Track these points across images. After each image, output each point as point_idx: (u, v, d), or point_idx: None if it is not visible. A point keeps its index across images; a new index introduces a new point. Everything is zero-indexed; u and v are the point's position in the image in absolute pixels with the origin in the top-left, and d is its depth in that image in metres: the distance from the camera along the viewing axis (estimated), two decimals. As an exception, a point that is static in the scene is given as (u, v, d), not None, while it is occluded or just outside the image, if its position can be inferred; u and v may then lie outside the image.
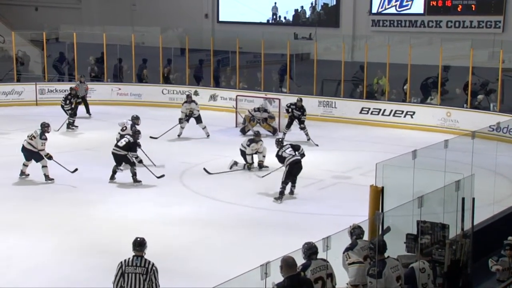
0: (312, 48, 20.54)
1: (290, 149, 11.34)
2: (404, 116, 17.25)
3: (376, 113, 17.58)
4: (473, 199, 7.25)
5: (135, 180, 11.77)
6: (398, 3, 26.20)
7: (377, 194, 7.24)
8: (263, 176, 12.04)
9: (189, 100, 15.59)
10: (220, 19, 30.04)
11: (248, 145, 12.68)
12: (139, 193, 11.43)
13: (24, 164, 11.93)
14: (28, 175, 12.02)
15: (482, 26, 24.73)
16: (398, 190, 7.54)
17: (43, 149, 11.72)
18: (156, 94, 19.79)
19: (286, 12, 29.11)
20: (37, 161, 11.80)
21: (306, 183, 12.01)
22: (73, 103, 16.49)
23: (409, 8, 26.03)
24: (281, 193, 11.10)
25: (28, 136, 11.86)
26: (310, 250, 6.11)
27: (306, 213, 10.55)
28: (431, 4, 25.51)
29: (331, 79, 19.32)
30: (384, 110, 17.50)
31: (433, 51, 18.15)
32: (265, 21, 29.22)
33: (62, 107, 16.57)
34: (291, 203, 11.05)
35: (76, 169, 12.18)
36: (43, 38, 20.52)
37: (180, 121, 15.38)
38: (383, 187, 7.21)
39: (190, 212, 10.50)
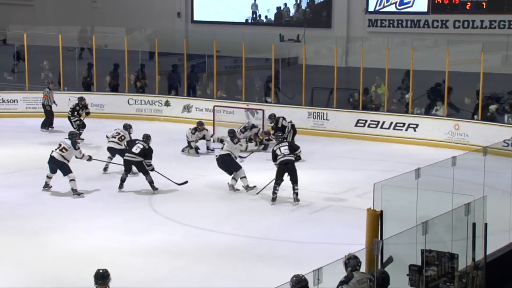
0: (300, 52, 20.67)
1: (286, 148, 12.20)
2: (406, 130, 17.39)
3: (374, 126, 17.70)
4: (486, 224, 7.31)
5: (154, 188, 12.64)
6: (398, 0, 26.49)
7: (375, 219, 7.27)
8: (257, 193, 12.57)
9: (200, 128, 15.74)
10: (195, 18, 30.14)
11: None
12: (102, 219, 11.38)
13: (48, 176, 12.66)
14: (51, 187, 12.70)
15: (495, 26, 25.04)
16: (399, 214, 7.59)
17: (83, 155, 12.69)
18: (121, 104, 19.77)
19: (267, 11, 29.22)
20: (64, 174, 12.46)
21: (294, 207, 12.07)
22: (82, 114, 16.74)
23: (411, 6, 26.30)
24: (273, 193, 12.14)
25: (57, 146, 12.53)
26: (299, 284, 6.12)
27: (294, 241, 10.55)
28: (436, 2, 25.79)
29: (322, 87, 19.39)
30: (383, 122, 17.63)
31: (438, 55, 18.34)
32: (244, 21, 29.31)
33: (69, 118, 16.82)
34: (277, 230, 11.07)
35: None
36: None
37: (189, 149, 15.60)
38: (382, 211, 7.25)
39: (160, 241, 10.47)
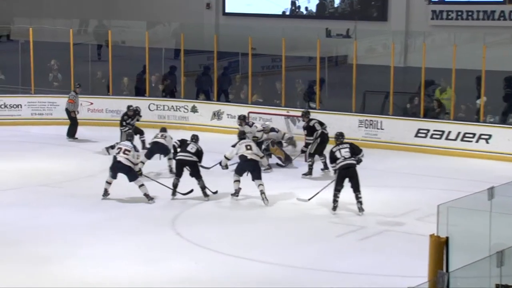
0: (350, 49, 20.62)
1: (347, 150, 12.77)
2: (477, 141, 17.21)
3: (438, 136, 17.55)
4: None
5: (206, 195, 13.45)
6: (468, -12, 26.29)
7: (440, 247, 7.18)
8: (309, 199, 13.07)
9: (239, 122, 16.14)
10: (227, 10, 30.28)
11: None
12: (115, 245, 11.41)
13: (108, 182, 13.36)
14: (109, 194, 13.39)
15: None
16: (469, 241, 7.47)
17: (137, 163, 13.29)
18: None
19: (308, 1, 29.32)
20: (131, 179, 13.19)
21: (342, 231, 12.01)
22: (133, 124, 17.02)
23: (484, -6, 26.09)
24: (334, 201, 12.71)
25: (119, 150, 13.21)
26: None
27: (341, 271, 10.46)
28: (514, -12, 25.51)
29: (376, 91, 19.33)
30: (449, 132, 17.47)
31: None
32: (281, 13, 29.42)
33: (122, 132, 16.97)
34: (321, 258, 10.98)
35: (192, 190, 13.45)
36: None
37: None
38: (447, 238, 7.16)
39: (182, 270, 10.45)
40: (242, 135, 14.24)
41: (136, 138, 16.33)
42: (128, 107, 17.12)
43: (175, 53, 22.51)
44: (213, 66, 20.47)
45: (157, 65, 20.86)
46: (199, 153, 13.48)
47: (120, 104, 19.96)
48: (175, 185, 13.44)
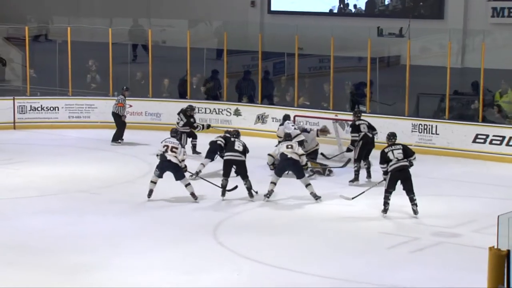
0: (403, 49, 20.49)
1: (400, 151, 12.99)
2: (540, 147, 17.04)
3: (498, 142, 17.41)
4: None
5: (251, 195, 13.83)
6: (532, -18, 25.95)
7: (500, 261, 7.10)
8: (353, 198, 13.39)
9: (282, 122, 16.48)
10: (272, 8, 30.30)
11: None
12: (154, 253, 11.46)
13: (153, 182, 13.64)
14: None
15: None
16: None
17: (184, 160, 13.59)
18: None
19: None
20: (179, 178, 13.58)
21: (394, 242, 11.92)
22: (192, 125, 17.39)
23: (549, -11, 25.76)
24: (385, 204, 12.96)
25: (166, 148, 13.45)
26: None
27: (392, 285, 10.35)
28: None
29: (430, 93, 19.19)
30: (510, 138, 17.32)
31: None
32: (328, 11, 29.39)
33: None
34: (370, 271, 10.89)
35: (236, 186, 13.81)
36: (25, 35, 20.98)
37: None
38: (509, 251, 7.07)
39: (223, 281, 10.44)
40: (287, 137, 14.47)
41: (188, 141, 16.79)
42: (191, 107, 17.44)
43: (217, 53, 22.60)
44: (255, 69, 20.53)
45: (199, 66, 20.94)
46: (245, 150, 13.86)
47: (160, 107, 20.14)
48: (224, 186, 13.79)
